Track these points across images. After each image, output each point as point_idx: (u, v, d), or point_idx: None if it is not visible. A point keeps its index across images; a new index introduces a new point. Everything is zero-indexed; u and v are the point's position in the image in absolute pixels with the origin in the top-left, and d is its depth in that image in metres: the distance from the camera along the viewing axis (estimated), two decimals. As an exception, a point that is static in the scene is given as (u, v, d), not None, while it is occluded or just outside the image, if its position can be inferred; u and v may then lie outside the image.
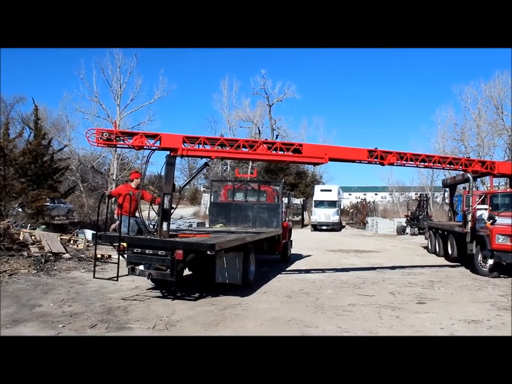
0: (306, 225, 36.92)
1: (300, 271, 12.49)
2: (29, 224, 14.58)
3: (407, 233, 29.45)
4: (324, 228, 32.29)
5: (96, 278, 8.75)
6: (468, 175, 12.24)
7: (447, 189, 19.19)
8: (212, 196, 14.48)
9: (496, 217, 11.86)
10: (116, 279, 8.40)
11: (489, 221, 11.87)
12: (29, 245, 12.37)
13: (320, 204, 33.74)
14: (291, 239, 15.21)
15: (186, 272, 10.36)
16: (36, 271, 10.59)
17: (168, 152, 8.89)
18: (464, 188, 15.34)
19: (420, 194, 33.02)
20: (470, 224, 12.36)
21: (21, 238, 12.67)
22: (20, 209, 15.83)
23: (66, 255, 12.61)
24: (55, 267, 11.36)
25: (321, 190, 35.62)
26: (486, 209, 12.46)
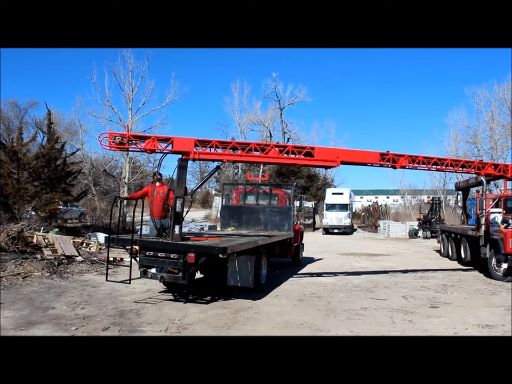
0: (318, 228, 36.79)
1: (311, 275, 12.46)
2: (42, 227, 14.72)
3: (419, 237, 29.21)
4: (336, 231, 32.16)
5: (109, 281, 8.79)
6: (481, 178, 12.11)
7: (460, 192, 19.00)
8: (224, 199, 14.49)
9: (510, 221, 11.72)
10: (128, 282, 8.44)
11: (503, 224, 11.74)
12: (42, 248, 12.47)
13: (331, 207, 33.63)
14: (303, 242, 15.19)
15: (198, 275, 10.37)
16: (49, 274, 10.67)
17: (180, 156, 8.93)
18: (478, 191, 15.21)
19: (432, 198, 32.73)
20: (483, 227, 12.22)
21: (34, 241, 12.77)
22: (33, 213, 16.00)
23: (79, 258, 12.70)
24: (68, 270, 11.44)
25: (333, 193, 35.49)
26: (499, 212, 12.33)
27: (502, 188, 19.51)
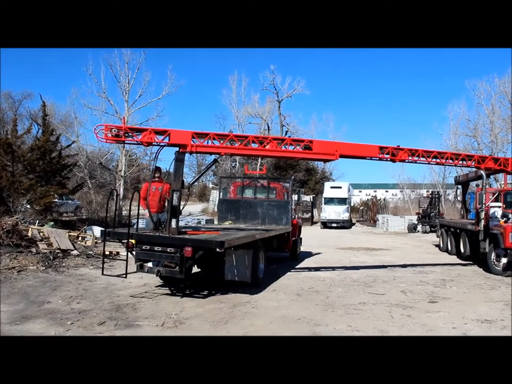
0: (316, 222, 36.80)
1: (309, 269, 12.39)
2: (37, 221, 14.61)
3: (418, 231, 29.25)
4: (334, 225, 32.17)
5: (105, 275, 8.68)
6: (481, 172, 12.02)
7: (460, 186, 18.93)
8: (221, 193, 14.40)
9: (510, 215, 11.66)
10: (124, 276, 8.32)
11: (502, 218, 11.68)
12: (37, 242, 12.37)
13: (330, 201, 33.60)
14: (300, 236, 15.14)
15: (195, 269, 10.29)
16: (44, 268, 10.57)
17: (177, 149, 8.82)
18: (477, 185, 15.13)
19: (432, 192, 32.75)
20: (483, 222, 12.15)
21: (29, 234, 12.67)
22: (28, 206, 15.88)
23: (75, 252, 12.60)
24: (64, 264, 11.34)
25: (331, 187, 35.47)
26: (499, 206, 12.26)
27: (502, 182, 19.47)
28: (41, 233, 13.13)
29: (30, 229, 13.09)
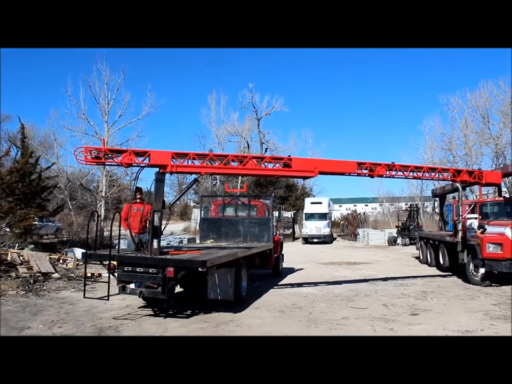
0: (298, 238, 36.90)
1: (292, 285, 12.43)
2: (17, 244, 14.41)
3: (398, 244, 29.54)
4: (315, 240, 32.28)
5: (87, 297, 8.60)
6: (457, 184, 12.29)
7: (437, 199, 19.25)
8: (202, 211, 14.43)
9: (486, 226, 11.89)
10: (106, 298, 8.27)
11: (479, 229, 11.89)
12: (17, 266, 12.19)
13: (310, 216, 33.78)
14: (282, 253, 15.18)
15: (178, 289, 10.26)
16: (24, 292, 10.42)
17: (157, 169, 8.85)
18: (454, 197, 15.40)
19: (410, 205, 33.19)
20: (460, 233, 12.36)
21: (8, 258, 12.49)
22: (8, 229, 15.64)
23: (56, 275, 12.44)
24: (44, 287, 11.18)
25: (312, 203, 35.67)
26: (476, 218, 12.50)
27: (478, 194, 19.88)
28: (21, 257, 12.95)
29: (9, 252, 12.90)
